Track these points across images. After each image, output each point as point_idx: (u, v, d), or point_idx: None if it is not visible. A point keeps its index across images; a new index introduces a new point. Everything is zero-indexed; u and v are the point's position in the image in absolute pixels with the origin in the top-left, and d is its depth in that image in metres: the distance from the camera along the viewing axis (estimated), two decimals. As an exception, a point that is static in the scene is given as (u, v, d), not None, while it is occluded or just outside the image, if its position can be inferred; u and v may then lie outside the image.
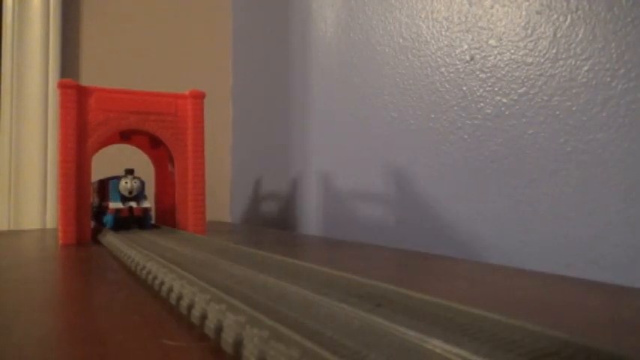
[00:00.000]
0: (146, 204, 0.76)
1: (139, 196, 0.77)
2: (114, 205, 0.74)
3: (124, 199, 0.75)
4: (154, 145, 0.89)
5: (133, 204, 0.75)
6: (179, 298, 0.32)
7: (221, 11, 1.39)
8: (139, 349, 0.25)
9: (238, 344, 0.23)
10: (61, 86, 0.73)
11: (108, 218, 0.75)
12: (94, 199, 0.98)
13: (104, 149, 0.85)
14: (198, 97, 0.82)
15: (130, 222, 0.76)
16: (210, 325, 0.26)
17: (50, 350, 0.26)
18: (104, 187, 0.92)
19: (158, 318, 0.31)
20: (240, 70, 1.35)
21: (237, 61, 1.37)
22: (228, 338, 0.24)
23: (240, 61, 1.35)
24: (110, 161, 0.97)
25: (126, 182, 0.76)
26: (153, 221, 0.85)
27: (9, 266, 0.54)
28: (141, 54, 1.26)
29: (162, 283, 0.37)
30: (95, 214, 0.94)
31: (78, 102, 0.73)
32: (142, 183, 0.77)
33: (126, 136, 0.87)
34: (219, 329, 0.25)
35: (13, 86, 1.09)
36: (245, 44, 1.33)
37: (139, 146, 0.93)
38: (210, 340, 0.26)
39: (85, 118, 0.73)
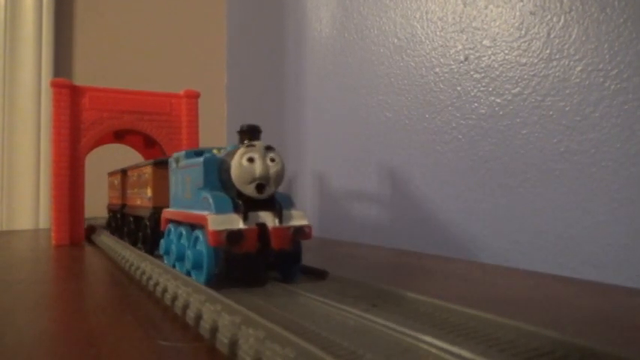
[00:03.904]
0: (300, 219, 0.36)
1: (282, 199, 0.37)
2: (218, 221, 0.33)
3: (247, 204, 0.34)
4: (148, 144, 0.89)
5: (270, 219, 0.35)
6: (174, 298, 0.32)
7: (216, 11, 1.38)
8: (133, 350, 0.25)
9: (234, 344, 0.23)
10: (55, 85, 0.72)
11: (198, 254, 0.35)
12: (111, 199, 0.78)
13: (97, 149, 0.85)
14: (193, 96, 0.82)
15: (260, 263, 0.35)
16: (205, 325, 0.26)
17: (44, 350, 0.26)
18: (124, 178, 0.67)
19: (152, 318, 0.31)
20: (235, 70, 1.35)
21: (231, 61, 1.37)
22: (223, 338, 0.24)
23: (235, 61, 1.35)
24: (104, 161, 0.96)
25: (250, 159, 0.34)
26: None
27: (1, 267, 0.54)
28: (135, 53, 1.25)
29: (156, 284, 0.37)
30: (112, 217, 0.75)
31: (71, 101, 0.73)
32: (284, 167, 0.36)
33: (120, 136, 0.87)
34: (214, 329, 0.25)
35: (5, 85, 1.09)
36: (240, 44, 1.33)
37: (133, 146, 0.92)
38: (205, 340, 0.26)
39: (78, 117, 0.73)
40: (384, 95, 0.78)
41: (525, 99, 0.56)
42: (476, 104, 0.62)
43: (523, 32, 0.56)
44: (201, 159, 0.38)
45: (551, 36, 0.53)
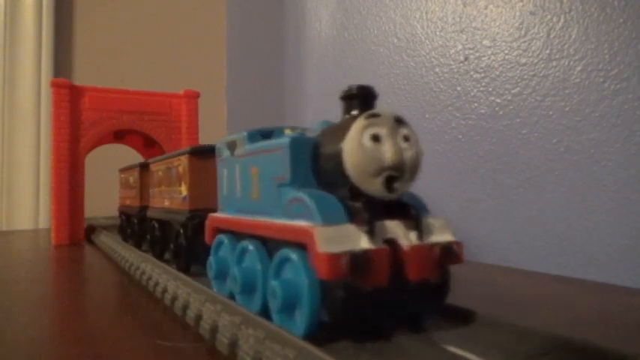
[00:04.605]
0: (444, 232, 0.24)
1: (412, 200, 0.26)
2: (333, 238, 0.21)
3: (373, 209, 0.22)
4: (148, 144, 0.89)
5: (400, 231, 0.23)
6: (174, 298, 0.32)
7: (216, 11, 1.38)
8: (133, 350, 0.25)
9: (234, 344, 0.23)
10: (55, 85, 0.72)
11: (293, 288, 0.22)
12: (125, 199, 0.67)
13: (97, 148, 0.85)
14: (193, 96, 0.82)
15: (390, 303, 0.23)
16: (205, 325, 0.26)
17: (43, 350, 0.26)
18: (144, 174, 0.56)
19: (152, 318, 0.31)
20: (235, 70, 1.35)
21: (231, 61, 1.37)
22: (223, 339, 0.24)
23: (234, 61, 1.35)
24: (104, 161, 0.96)
25: (375, 137, 0.23)
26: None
27: (1, 267, 0.54)
28: (135, 53, 1.25)
29: (156, 284, 0.37)
30: (126, 222, 0.63)
31: (71, 101, 0.73)
32: (421, 151, 0.25)
33: (119, 136, 0.87)
34: (214, 330, 0.25)
35: (5, 85, 1.09)
36: (240, 44, 1.33)
37: (133, 146, 0.92)
38: (205, 340, 0.26)
39: (78, 117, 0.73)
40: (383, 95, 0.78)
41: (525, 99, 0.56)
42: (476, 104, 0.62)
43: (523, 32, 0.56)
44: (285, 140, 0.25)
45: (551, 36, 0.53)
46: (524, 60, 0.56)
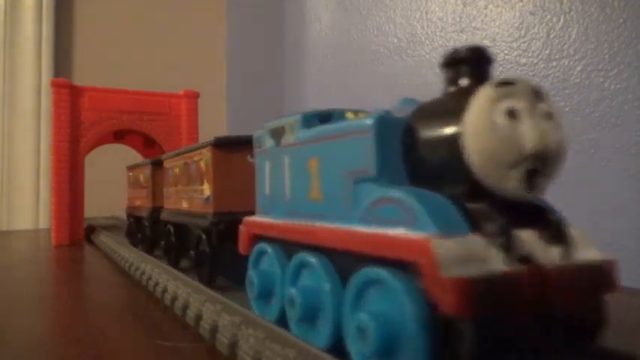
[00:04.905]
0: (589, 248, 0.19)
1: (542, 203, 0.20)
2: (458, 256, 0.15)
3: (502, 214, 0.17)
4: (147, 144, 0.89)
5: (537, 244, 0.17)
6: (174, 298, 0.32)
7: (216, 11, 1.38)
8: (133, 350, 0.25)
9: (234, 344, 0.23)
10: (55, 85, 0.72)
11: (391, 326, 0.16)
12: (134, 200, 0.61)
13: (97, 148, 0.85)
14: (193, 96, 0.82)
15: (534, 343, 0.17)
16: (205, 325, 0.26)
17: (43, 350, 0.26)
18: (157, 172, 0.51)
19: (152, 318, 0.31)
20: (235, 70, 1.35)
21: (231, 61, 1.37)
22: (223, 339, 0.24)
23: (234, 61, 1.35)
24: (104, 161, 0.96)
25: (511, 113, 0.17)
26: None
27: (1, 267, 0.54)
28: (135, 53, 1.25)
29: (156, 284, 0.37)
30: (135, 225, 0.58)
31: (71, 101, 0.73)
32: (566, 138, 0.18)
33: (119, 136, 0.87)
34: (214, 330, 0.25)
35: (5, 85, 1.09)
36: (240, 44, 1.33)
37: (133, 146, 0.92)
38: (205, 340, 0.26)
39: (78, 117, 0.73)
40: (384, 95, 0.78)
41: (525, 99, 0.56)
42: (476, 104, 0.62)
43: (523, 32, 0.56)
44: (368, 121, 0.19)
45: (551, 36, 0.53)
46: (524, 60, 0.56)
